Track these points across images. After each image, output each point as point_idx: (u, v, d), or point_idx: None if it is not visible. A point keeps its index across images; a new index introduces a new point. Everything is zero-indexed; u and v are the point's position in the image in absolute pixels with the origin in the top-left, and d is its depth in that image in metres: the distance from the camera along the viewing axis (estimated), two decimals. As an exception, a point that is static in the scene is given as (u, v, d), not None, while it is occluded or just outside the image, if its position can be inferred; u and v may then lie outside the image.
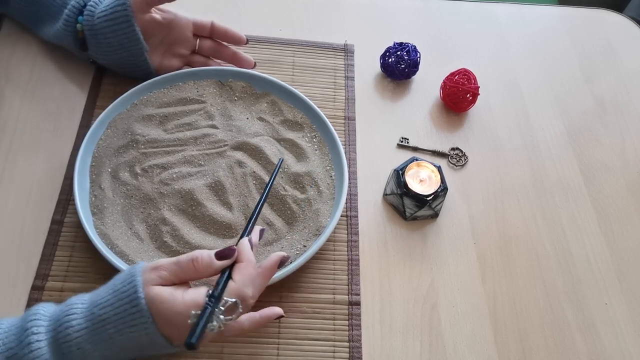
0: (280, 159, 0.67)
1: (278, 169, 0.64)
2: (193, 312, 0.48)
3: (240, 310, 0.51)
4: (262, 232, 0.58)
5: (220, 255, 0.52)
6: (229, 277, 0.52)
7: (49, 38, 0.75)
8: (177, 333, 0.50)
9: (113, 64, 0.73)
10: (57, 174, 0.68)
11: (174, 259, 0.52)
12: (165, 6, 0.73)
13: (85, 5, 0.70)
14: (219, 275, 0.52)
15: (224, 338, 0.57)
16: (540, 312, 0.66)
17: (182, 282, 0.51)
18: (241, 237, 0.56)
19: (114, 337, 0.49)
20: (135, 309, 0.49)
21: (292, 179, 0.69)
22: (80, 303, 0.50)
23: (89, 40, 0.70)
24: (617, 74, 0.90)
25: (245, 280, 0.51)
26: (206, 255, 0.52)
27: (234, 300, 0.50)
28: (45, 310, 0.50)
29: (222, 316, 0.49)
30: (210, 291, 0.50)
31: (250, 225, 0.57)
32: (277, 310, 0.55)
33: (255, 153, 0.70)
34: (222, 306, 0.49)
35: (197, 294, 0.50)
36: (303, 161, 0.71)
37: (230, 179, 0.68)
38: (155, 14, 0.71)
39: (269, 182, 0.62)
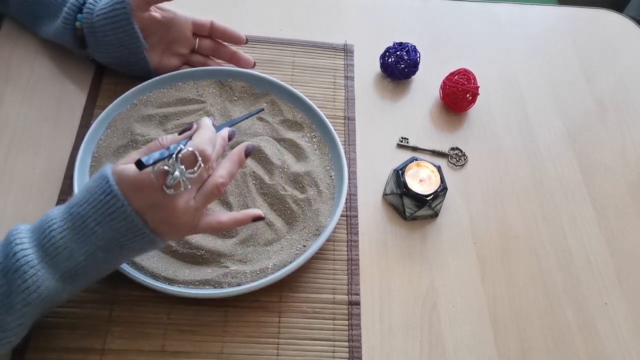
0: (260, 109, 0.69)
1: (255, 114, 0.67)
2: (160, 167, 0.50)
3: (201, 165, 0.52)
4: (233, 133, 0.60)
5: (183, 131, 0.55)
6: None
7: (48, 36, 0.75)
8: (149, 201, 0.51)
9: (112, 62, 0.73)
10: (57, 174, 0.68)
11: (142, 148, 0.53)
12: (164, 5, 0.73)
13: (84, 3, 0.70)
14: None
15: (199, 230, 0.56)
16: (540, 312, 0.66)
17: None
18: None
19: (95, 229, 0.50)
20: (109, 196, 0.50)
21: (291, 179, 0.69)
22: (57, 209, 0.52)
23: (88, 38, 0.70)
24: (617, 74, 0.90)
25: (203, 139, 0.53)
26: (170, 135, 0.54)
27: (191, 149, 0.51)
28: (24, 226, 0.52)
29: (182, 166, 0.51)
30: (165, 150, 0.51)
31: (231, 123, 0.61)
32: (256, 211, 0.58)
33: (255, 153, 0.70)
34: (179, 154, 0.51)
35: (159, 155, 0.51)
36: (303, 161, 0.71)
37: (230, 178, 0.68)
38: (155, 12, 0.71)
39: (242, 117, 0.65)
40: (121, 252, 0.52)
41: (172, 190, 0.51)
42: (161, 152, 0.50)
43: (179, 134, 0.55)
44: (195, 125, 0.56)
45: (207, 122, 0.56)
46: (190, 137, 0.54)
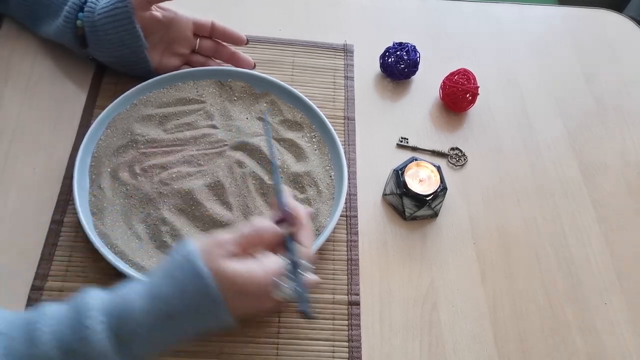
0: (265, 113, 0.68)
1: (268, 123, 0.65)
2: (275, 280, 0.49)
3: (310, 271, 0.52)
4: (317, 194, 0.61)
5: (281, 221, 0.54)
6: (296, 241, 0.53)
7: (48, 36, 0.75)
8: (249, 306, 0.50)
9: (113, 61, 0.73)
10: (57, 174, 0.68)
11: (235, 232, 0.51)
12: (165, 4, 0.73)
13: (85, 2, 0.70)
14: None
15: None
16: (540, 312, 0.66)
17: (247, 253, 0.51)
18: (278, 195, 0.57)
19: (186, 329, 0.48)
20: (208, 299, 0.47)
21: (291, 179, 0.69)
22: (139, 298, 0.48)
23: (89, 36, 0.70)
24: (617, 73, 0.90)
25: (311, 244, 0.54)
26: (268, 224, 0.52)
27: (309, 265, 0.52)
28: (97, 302, 0.47)
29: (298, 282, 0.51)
30: (284, 258, 0.51)
31: (279, 182, 0.59)
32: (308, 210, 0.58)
33: (255, 153, 0.70)
34: (304, 271, 0.51)
35: (272, 261, 0.50)
36: (302, 161, 0.71)
37: (230, 179, 0.68)
38: (156, 11, 0.71)
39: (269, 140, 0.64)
40: (192, 337, 0.50)
41: (281, 294, 0.50)
42: (301, 284, 0.50)
43: (276, 223, 0.53)
44: (293, 217, 0.54)
45: (304, 212, 0.55)
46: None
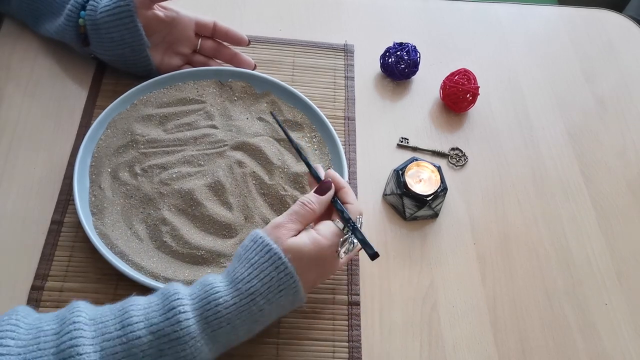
0: (273, 114, 0.69)
1: (277, 121, 0.66)
2: (341, 239, 0.54)
3: (362, 223, 0.57)
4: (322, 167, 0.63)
5: (322, 190, 0.57)
6: (342, 202, 0.58)
7: (50, 34, 0.75)
8: (318, 273, 0.55)
9: (114, 59, 0.73)
10: (57, 174, 0.68)
11: (287, 212, 0.56)
12: (168, 4, 0.73)
13: (87, 1, 0.70)
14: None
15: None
16: (540, 312, 0.66)
17: (304, 226, 0.56)
18: (310, 170, 0.61)
19: (263, 307, 0.51)
20: (283, 273, 0.52)
21: (292, 179, 0.69)
22: (219, 282, 0.52)
23: (91, 35, 0.70)
24: (618, 73, 0.90)
25: (355, 199, 0.58)
26: (312, 196, 0.57)
27: (360, 216, 0.57)
28: (183, 290, 0.51)
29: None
30: (337, 219, 0.56)
31: (308, 160, 0.62)
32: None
33: (255, 153, 0.70)
34: (358, 223, 0.56)
35: (329, 226, 0.55)
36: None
37: (230, 179, 0.68)
38: (158, 11, 0.72)
39: (287, 134, 0.65)
40: (271, 321, 0.54)
41: (344, 254, 0.55)
42: (359, 232, 0.55)
43: (318, 193, 0.57)
44: (331, 183, 0.58)
45: (338, 176, 0.59)
46: (334, 197, 0.58)
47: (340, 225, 0.56)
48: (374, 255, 0.54)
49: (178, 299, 0.50)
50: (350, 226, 0.55)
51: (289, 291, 0.52)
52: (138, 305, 0.49)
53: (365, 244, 0.54)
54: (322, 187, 0.57)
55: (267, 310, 0.52)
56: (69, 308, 0.49)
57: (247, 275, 0.51)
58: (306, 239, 0.53)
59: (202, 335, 0.49)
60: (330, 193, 0.57)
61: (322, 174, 0.60)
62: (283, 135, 0.72)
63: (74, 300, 0.50)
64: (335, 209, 0.57)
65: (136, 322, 0.48)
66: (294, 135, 0.73)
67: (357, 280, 0.65)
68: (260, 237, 0.53)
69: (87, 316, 0.48)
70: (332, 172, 0.59)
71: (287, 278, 0.52)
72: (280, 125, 0.64)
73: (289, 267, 0.52)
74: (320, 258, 0.54)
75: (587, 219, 0.74)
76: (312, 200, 0.56)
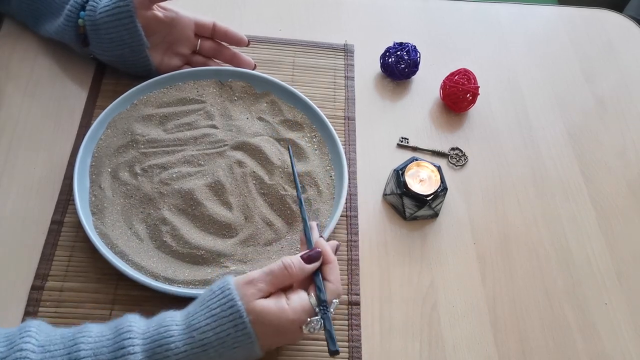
0: (289, 149, 0.69)
1: (291, 156, 0.67)
2: (308, 318, 0.52)
3: (336, 305, 0.55)
4: (317, 225, 0.61)
5: (309, 259, 0.55)
6: (323, 278, 0.55)
7: (49, 34, 0.75)
8: (278, 341, 0.54)
9: (114, 60, 0.73)
10: (57, 174, 0.68)
11: (264, 269, 0.54)
12: (167, 4, 0.73)
13: (87, 1, 0.70)
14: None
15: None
16: (540, 312, 0.66)
17: (277, 289, 0.54)
18: (305, 230, 0.59)
19: (213, 358, 0.50)
20: (241, 332, 0.50)
21: (291, 179, 0.69)
22: (175, 325, 0.50)
23: (90, 35, 0.70)
24: (618, 73, 0.90)
25: (338, 279, 0.55)
26: (296, 260, 0.54)
27: (336, 300, 0.54)
28: (137, 326, 0.50)
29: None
30: (312, 295, 0.54)
31: (306, 219, 0.60)
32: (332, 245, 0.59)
33: (255, 153, 0.70)
34: (332, 308, 0.54)
35: (301, 299, 0.53)
36: (303, 161, 0.71)
37: (230, 178, 0.68)
38: (158, 11, 0.71)
39: (293, 170, 0.64)
40: None
41: (308, 332, 0.53)
42: (329, 321, 0.53)
43: (304, 260, 0.55)
44: (321, 254, 0.56)
45: (329, 249, 0.57)
46: (318, 269, 0.55)
47: (314, 302, 0.53)
48: (334, 353, 0.52)
49: (129, 338, 0.49)
50: (323, 309, 0.53)
51: (244, 349, 0.51)
52: (89, 338, 0.49)
53: (330, 337, 0.52)
54: (311, 257, 0.55)
55: None
56: (20, 329, 0.49)
57: (205, 325, 0.50)
58: (273, 306, 0.51)
59: None
60: (316, 265, 0.55)
61: (315, 236, 0.58)
62: (283, 135, 0.72)
63: (28, 320, 0.50)
64: (314, 282, 0.55)
65: (83, 357, 0.47)
66: (293, 135, 0.73)
67: (357, 280, 0.65)
68: (228, 289, 0.52)
69: (37, 342, 0.47)
70: (323, 243, 0.57)
71: (244, 338, 0.50)
72: (292, 162, 0.65)
73: (248, 327, 0.50)
74: (283, 327, 0.52)
75: (587, 219, 0.74)
76: (294, 265, 0.54)
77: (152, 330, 0.50)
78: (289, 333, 0.53)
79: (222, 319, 0.50)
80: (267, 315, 0.51)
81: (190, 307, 0.53)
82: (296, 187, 0.63)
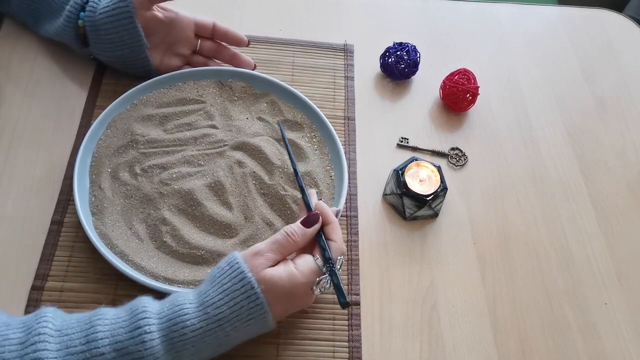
0: (280, 125, 0.69)
1: (283, 133, 0.68)
2: (317, 278, 0.54)
3: (342, 263, 0.57)
4: (317, 193, 0.63)
5: (307, 222, 0.56)
6: (326, 238, 0.57)
7: (49, 35, 0.75)
8: (290, 307, 0.55)
9: (114, 60, 0.73)
10: (57, 174, 0.68)
11: (269, 240, 0.55)
12: (167, 5, 0.73)
13: (87, 2, 0.70)
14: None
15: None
16: (540, 312, 0.66)
17: (284, 257, 0.55)
18: (304, 197, 0.60)
19: (229, 333, 0.51)
20: (254, 303, 0.51)
21: (291, 179, 0.69)
22: (189, 303, 0.51)
23: (90, 36, 0.70)
24: (618, 73, 0.90)
25: (340, 238, 0.57)
26: (296, 227, 0.56)
27: (341, 257, 0.56)
28: (151, 306, 0.51)
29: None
30: (318, 256, 0.55)
31: (303, 187, 0.61)
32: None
33: (255, 153, 0.70)
34: (338, 265, 0.55)
35: (307, 262, 0.54)
36: (303, 161, 0.71)
37: (230, 179, 0.68)
38: (157, 12, 0.71)
39: (285, 141, 0.66)
40: (238, 343, 0.54)
41: (319, 291, 0.55)
42: (336, 276, 0.54)
43: (304, 224, 0.56)
44: (319, 216, 0.57)
45: (328, 210, 0.58)
46: (320, 231, 0.57)
47: (320, 263, 0.55)
48: (344, 304, 0.54)
49: (145, 317, 0.49)
50: (330, 267, 0.54)
51: (258, 320, 0.52)
52: (105, 320, 0.49)
53: (339, 291, 0.54)
54: (309, 219, 0.56)
55: (234, 336, 0.52)
56: (36, 315, 0.49)
57: (218, 301, 0.51)
58: (282, 272, 0.53)
59: (166, 356, 0.49)
60: (316, 227, 0.56)
61: (314, 202, 0.59)
62: (283, 135, 0.72)
63: (42, 307, 0.50)
64: (317, 244, 0.56)
65: (101, 338, 0.48)
66: (293, 135, 0.73)
67: (357, 280, 0.65)
68: (237, 263, 0.52)
69: (54, 327, 0.48)
70: (322, 205, 0.58)
71: (258, 309, 0.51)
72: (284, 136, 0.65)
73: (260, 297, 0.51)
74: (294, 292, 0.53)
75: (587, 219, 0.74)
76: (296, 231, 0.55)
77: (166, 310, 0.51)
78: (300, 297, 0.54)
79: (234, 292, 0.51)
80: (277, 282, 0.52)
81: (201, 286, 0.53)
82: (289, 157, 0.64)
